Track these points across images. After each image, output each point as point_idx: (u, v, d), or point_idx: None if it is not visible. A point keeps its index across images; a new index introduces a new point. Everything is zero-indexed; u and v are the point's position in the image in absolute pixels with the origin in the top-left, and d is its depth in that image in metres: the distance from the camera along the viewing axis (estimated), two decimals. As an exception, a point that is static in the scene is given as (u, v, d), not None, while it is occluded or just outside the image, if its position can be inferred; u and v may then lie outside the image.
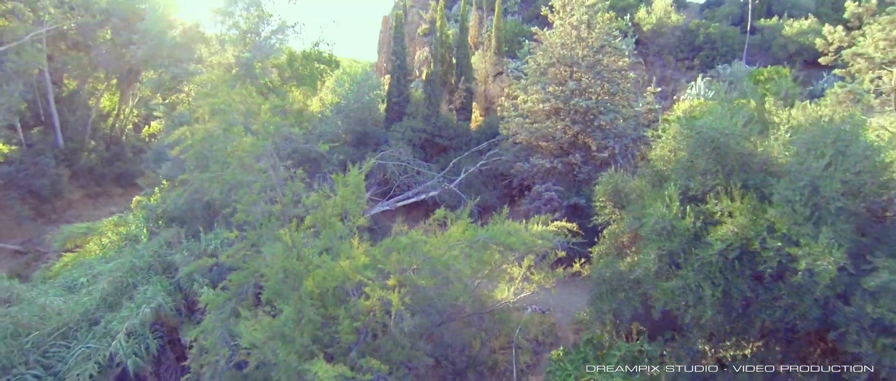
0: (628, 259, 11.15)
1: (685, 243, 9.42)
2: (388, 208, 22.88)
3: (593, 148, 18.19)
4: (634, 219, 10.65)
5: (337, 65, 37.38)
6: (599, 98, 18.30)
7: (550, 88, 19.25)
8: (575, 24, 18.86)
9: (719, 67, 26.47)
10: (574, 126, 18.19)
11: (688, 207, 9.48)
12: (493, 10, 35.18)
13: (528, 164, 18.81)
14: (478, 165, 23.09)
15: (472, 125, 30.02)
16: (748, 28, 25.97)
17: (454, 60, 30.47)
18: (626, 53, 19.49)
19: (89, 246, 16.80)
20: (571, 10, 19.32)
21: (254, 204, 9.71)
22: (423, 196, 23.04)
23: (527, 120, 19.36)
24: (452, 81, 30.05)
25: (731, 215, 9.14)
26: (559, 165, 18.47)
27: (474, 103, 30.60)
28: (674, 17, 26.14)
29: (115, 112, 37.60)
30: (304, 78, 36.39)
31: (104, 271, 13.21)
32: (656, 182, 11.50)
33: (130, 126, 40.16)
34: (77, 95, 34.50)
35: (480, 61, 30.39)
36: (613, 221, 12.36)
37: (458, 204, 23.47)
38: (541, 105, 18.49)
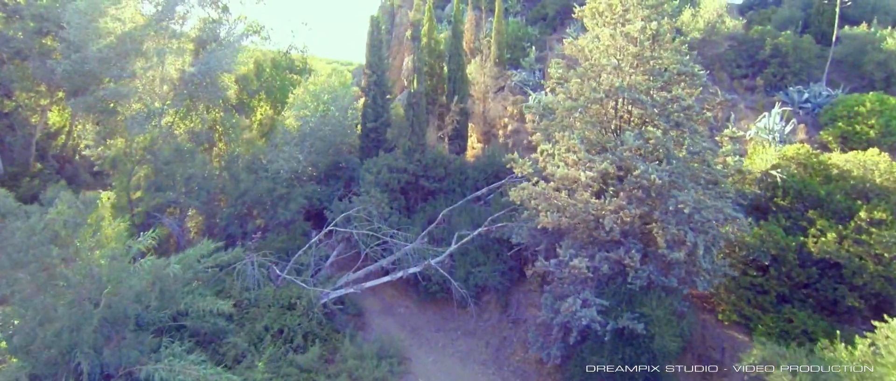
0: None
1: None
2: (351, 290, 14.54)
3: (661, 242, 9.83)
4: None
5: (310, 73, 28.48)
6: (676, 162, 9.85)
7: (590, 134, 10.72)
8: (635, 36, 10.28)
9: (792, 89, 17.52)
10: (633, 207, 9.79)
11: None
12: (492, 10, 26.15)
13: (555, 263, 10.36)
14: (476, 231, 14.67)
15: (469, 154, 21.40)
16: (834, 38, 17.25)
17: (445, 71, 21.67)
18: (703, 78, 10.93)
19: None
20: (626, 11, 10.68)
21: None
22: (401, 273, 14.68)
23: (551, 184, 10.87)
24: (443, 100, 21.33)
25: None
26: (605, 266, 10.15)
27: (471, 125, 21.93)
28: (729, 21, 17.48)
29: (65, 129, 28.70)
30: (274, 90, 27.56)
31: None
32: None
33: (84, 146, 31.44)
34: (18, 112, 25.80)
35: (478, 73, 21.61)
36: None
37: (448, 279, 15.20)
38: (579, 172, 9.95)
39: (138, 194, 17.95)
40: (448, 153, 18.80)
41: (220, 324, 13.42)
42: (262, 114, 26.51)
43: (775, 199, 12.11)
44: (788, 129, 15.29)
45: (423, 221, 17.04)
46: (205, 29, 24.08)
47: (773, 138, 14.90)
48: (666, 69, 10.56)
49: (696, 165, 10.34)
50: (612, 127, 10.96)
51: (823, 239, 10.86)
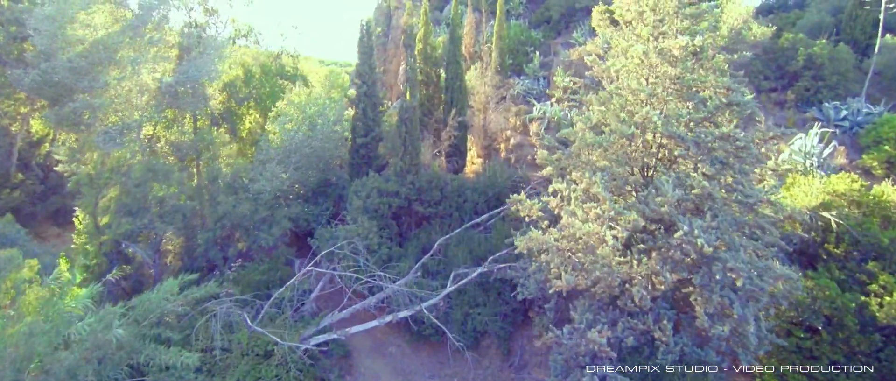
0: None
1: None
2: (335, 336, 12.46)
3: (700, 312, 7.66)
4: None
5: (302, 79, 26.17)
6: (722, 215, 7.64)
7: (615, 175, 8.52)
8: (674, 53, 7.97)
9: (827, 105, 14.87)
10: (668, 270, 7.61)
11: None
12: (493, 12, 23.76)
13: (568, 332, 8.19)
14: (475, 271, 12.52)
15: (468, 170, 19.19)
16: (877, 48, 14.85)
17: (442, 80, 19.35)
18: (752, 106, 8.61)
19: None
20: (660, 22, 8.39)
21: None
22: (390, 317, 12.58)
23: (564, 233, 8.65)
24: (440, 110, 19.06)
25: None
26: (630, 338, 8.02)
27: (470, 137, 19.68)
28: (756, 28, 15.08)
29: (50, 138, 26.56)
30: (263, 98, 25.32)
31: None
32: None
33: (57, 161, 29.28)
34: (-2, 120, 23.80)
35: (478, 82, 19.30)
36: None
37: (444, 323, 13.09)
38: (603, 228, 7.72)
39: (106, 219, 15.84)
40: (445, 171, 16.60)
41: (188, 378, 11.42)
42: (251, 123, 24.29)
43: (826, 245, 9.95)
44: (827, 152, 13.05)
45: (417, 250, 14.92)
46: (187, 34, 21.79)
47: (811, 164, 12.67)
48: (710, 97, 8.32)
49: (747, 216, 8.15)
50: (640, 165, 8.75)
51: (889, 300, 8.72)
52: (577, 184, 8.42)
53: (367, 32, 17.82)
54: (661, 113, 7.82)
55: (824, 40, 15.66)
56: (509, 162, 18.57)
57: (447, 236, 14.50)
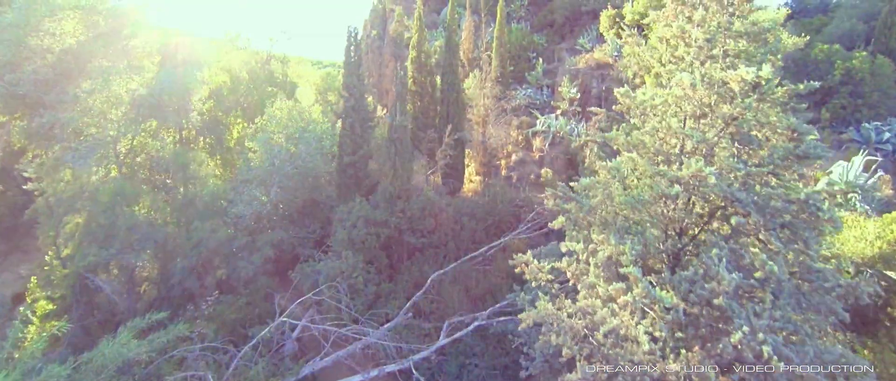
0: None
1: None
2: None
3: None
4: None
5: (294, 88, 24.16)
6: (786, 294, 5.80)
7: (648, 241, 6.59)
8: (736, 87, 5.92)
9: (867, 125, 12.74)
10: (711, 366, 5.80)
11: None
12: (492, 14, 21.60)
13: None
14: (472, 325, 10.64)
15: (466, 188, 17.22)
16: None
17: (437, 90, 17.30)
18: (822, 148, 6.66)
19: None
20: (709, 43, 6.33)
21: None
22: (374, 372, 10.75)
23: (580, 303, 6.75)
24: (436, 122, 17.04)
25: None
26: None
27: (469, 152, 17.68)
28: (787, 38, 13.08)
29: (32, 147, 24.69)
30: (250, 106, 23.42)
31: None
32: None
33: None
34: (-25, 130, 21.85)
35: (477, 94, 17.25)
36: None
37: (437, 373, 11.25)
38: (634, 319, 5.79)
39: (68, 249, 14.01)
40: (441, 191, 14.67)
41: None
42: (239, 132, 22.34)
43: (889, 308, 8.07)
44: (871, 181, 11.08)
45: (409, 285, 13.06)
46: (166, 41, 19.80)
47: (854, 197, 10.72)
48: (768, 140, 6.34)
49: (806, 287, 6.25)
50: (680, 228, 6.78)
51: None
52: (598, 249, 6.50)
53: (355, 40, 15.77)
54: (715, 169, 5.82)
55: (864, 53, 13.56)
56: (510, 180, 16.63)
57: (441, 271, 12.63)
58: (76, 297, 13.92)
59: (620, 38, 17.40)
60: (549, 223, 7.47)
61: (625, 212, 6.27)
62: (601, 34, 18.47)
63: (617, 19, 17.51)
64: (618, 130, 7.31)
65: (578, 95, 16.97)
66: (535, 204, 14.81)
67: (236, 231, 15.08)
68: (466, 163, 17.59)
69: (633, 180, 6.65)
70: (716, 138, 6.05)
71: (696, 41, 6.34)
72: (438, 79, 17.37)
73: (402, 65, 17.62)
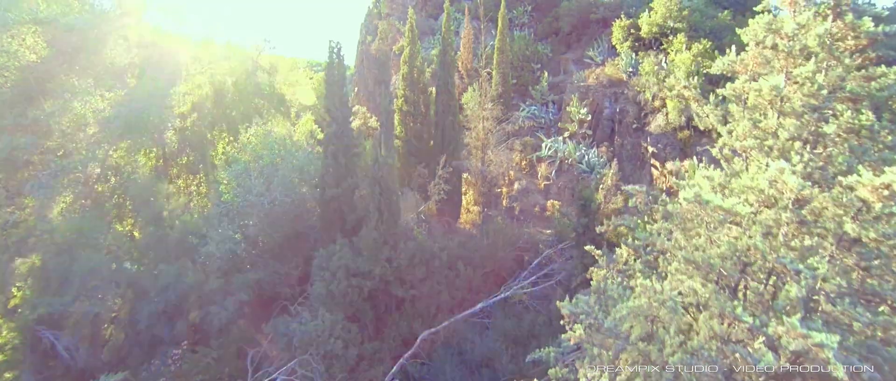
0: None
1: None
2: None
3: None
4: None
5: (282, 100, 21.93)
6: None
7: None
8: (878, 197, 3.72)
9: None
10: None
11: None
12: (492, 19, 19.15)
13: None
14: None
15: (463, 219, 15.04)
16: None
17: (432, 111, 14.98)
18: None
19: None
20: (819, 107, 4.06)
21: None
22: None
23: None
24: (430, 146, 14.80)
25: None
26: None
27: (466, 177, 15.39)
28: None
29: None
30: (237, 120, 21.28)
31: None
32: None
33: None
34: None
35: (476, 111, 14.87)
36: None
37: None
38: None
39: (17, 299, 12.08)
40: (432, 236, 12.54)
41: None
42: (223, 149, 20.19)
43: None
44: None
45: (396, 342, 11.07)
46: (139, 55, 17.62)
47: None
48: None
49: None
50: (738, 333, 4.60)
51: None
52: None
53: (338, 55, 13.50)
54: (823, 321, 3.63)
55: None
56: (512, 212, 14.46)
57: (432, 330, 10.58)
58: (28, 350, 12.04)
59: (635, 52, 14.97)
60: (565, 337, 5.32)
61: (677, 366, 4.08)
62: (613, 46, 16.03)
63: (632, 31, 15.07)
64: (661, 217, 5.07)
65: (589, 117, 14.65)
66: (539, 244, 12.66)
67: (207, 273, 13.08)
68: (463, 189, 15.38)
69: (690, 316, 4.44)
70: (825, 271, 3.79)
71: (795, 110, 4.08)
72: (433, 90, 15.07)
73: (385, 90, 15.34)
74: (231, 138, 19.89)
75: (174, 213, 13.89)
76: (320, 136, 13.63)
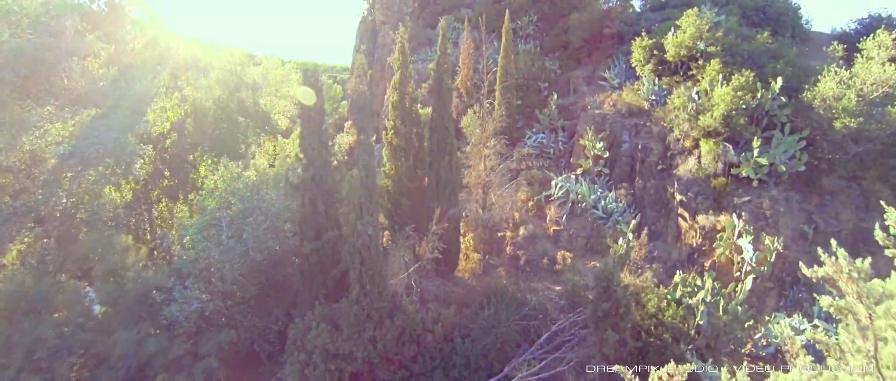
0: None
1: None
2: None
3: None
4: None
5: (267, 118, 19.95)
6: None
7: None
8: None
9: None
10: None
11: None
12: (494, 31, 16.96)
13: None
14: None
15: (461, 267, 13.14)
16: None
17: (426, 142, 12.97)
18: None
19: None
20: None
21: None
22: None
23: None
24: (422, 183, 12.83)
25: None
26: None
27: (465, 223, 13.47)
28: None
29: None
30: (218, 140, 19.55)
31: None
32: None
33: None
34: None
35: (477, 149, 12.85)
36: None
37: None
38: None
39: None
40: (424, 301, 10.69)
41: None
42: (205, 171, 18.36)
43: None
44: None
45: (383, 434, 9.30)
46: (101, 77, 15.71)
47: None
48: None
49: None
50: None
51: None
52: None
53: (315, 82, 11.46)
54: None
55: None
56: (517, 262, 12.55)
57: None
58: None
59: (659, 77, 12.83)
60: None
61: None
62: (632, 67, 13.89)
63: (654, 52, 12.89)
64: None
65: (605, 153, 12.60)
66: (547, 308, 10.80)
67: (172, 338, 11.33)
68: (463, 230, 13.45)
69: None
70: None
71: None
72: (425, 137, 13.03)
73: (366, 135, 13.35)
74: (214, 160, 18.10)
75: (135, 265, 12.10)
76: (296, 181, 11.69)
